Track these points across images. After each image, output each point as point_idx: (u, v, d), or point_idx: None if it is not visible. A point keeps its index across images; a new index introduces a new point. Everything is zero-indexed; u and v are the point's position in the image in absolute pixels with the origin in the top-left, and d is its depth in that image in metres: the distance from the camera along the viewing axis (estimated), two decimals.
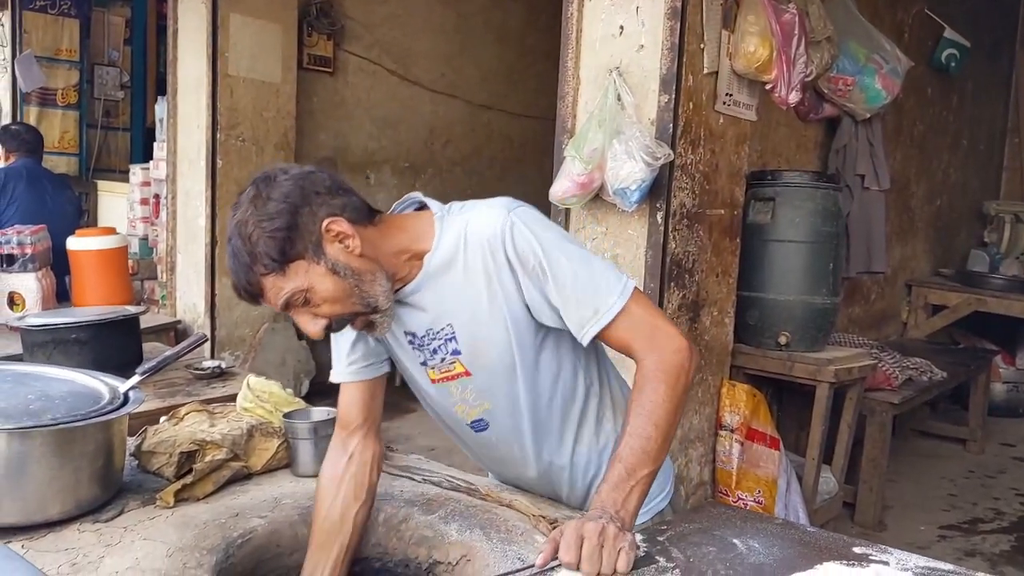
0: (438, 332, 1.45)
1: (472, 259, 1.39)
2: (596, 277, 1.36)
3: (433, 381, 1.50)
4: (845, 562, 1.14)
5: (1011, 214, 5.86)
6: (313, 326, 1.35)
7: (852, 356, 3.24)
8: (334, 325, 1.36)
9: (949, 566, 1.16)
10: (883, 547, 1.21)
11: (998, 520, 3.85)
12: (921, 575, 1.11)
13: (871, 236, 4.12)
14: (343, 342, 1.53)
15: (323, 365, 5.17)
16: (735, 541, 1.21)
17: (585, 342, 1.37)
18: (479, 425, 1.52)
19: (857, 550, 1.19)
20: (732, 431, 2.85)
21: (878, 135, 4.16)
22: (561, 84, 2.83)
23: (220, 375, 2.65)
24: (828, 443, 3.25)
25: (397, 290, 1.41)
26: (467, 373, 1.47)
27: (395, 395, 5.81)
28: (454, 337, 1.44)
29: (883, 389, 3.67)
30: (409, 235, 1.42)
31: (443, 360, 1.46)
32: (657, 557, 1.15)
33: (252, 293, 1.34)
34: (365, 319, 1.37)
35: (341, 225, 1.32)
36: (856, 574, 1.08)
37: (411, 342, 1.48)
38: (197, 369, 2.63)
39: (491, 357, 1.44)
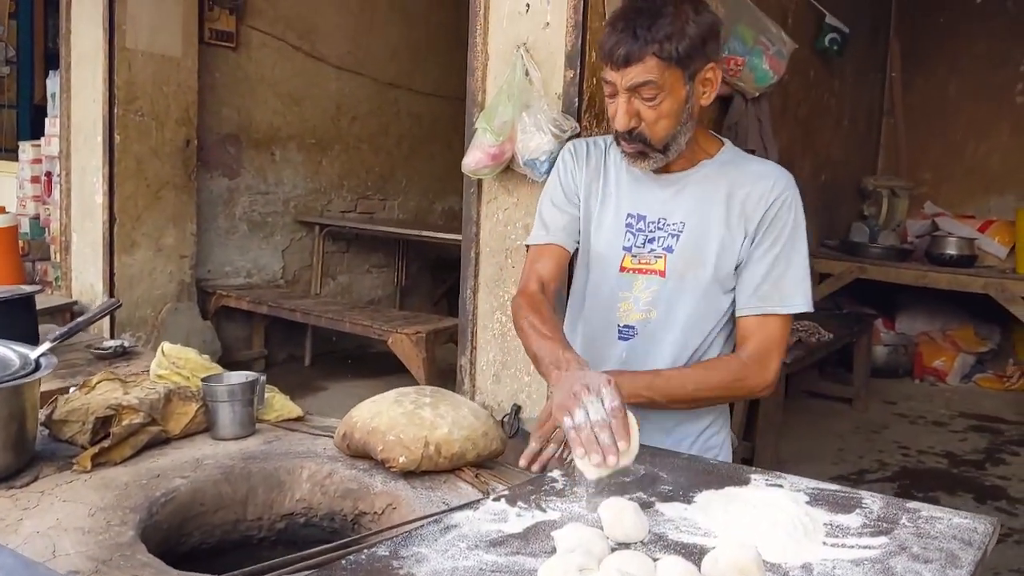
0: (669, 224, 1.57)
1: (741, 188, 1.54)
2: (803, 280, 1.53)
3: (622, 269, 1.60)
4: (742, 486, 1.25)
5: (887, 189, 6.25)
6: (627, 119, 1.46)
7: None
8: (634, 134, 1.48)
9: (835, 486, 1.28)
10: (778, 474, 1.33)
11: (882, 470, 4.15)
12: (811, 494, 1.23)
13: None
14: (548, 210, 1.67)
15: (228, 345, 5.09)
16: (644, 472, 1.31)
17: (741, 312, 1.54)
18: (628, 332, 1.61)
19: (755, 477, 1.30)
20: None
21: (766, 113, 4.37)
22: (470, 59, 2.88)
23: (123, 354, 2.56)
24: None
25: (672, 170, 1.57)
26: (663, 273, 1.57)
27: (304, 375, 5.77)
28: (678, 235, 1.56)
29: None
30: (704, 138, 1.59)
31: (651, 251, 1.57)
32: (575, 489, 1.23)
33: (625, 55, 1.41)
34: (648, 150, 1.50)
35: (716, 75, 1.49)
36: (751, 494, 1.19)
37: (629, 225, 1.60)
38: (98, 348, 2.55)
39: (697, 269, 1.55)
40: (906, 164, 6.83)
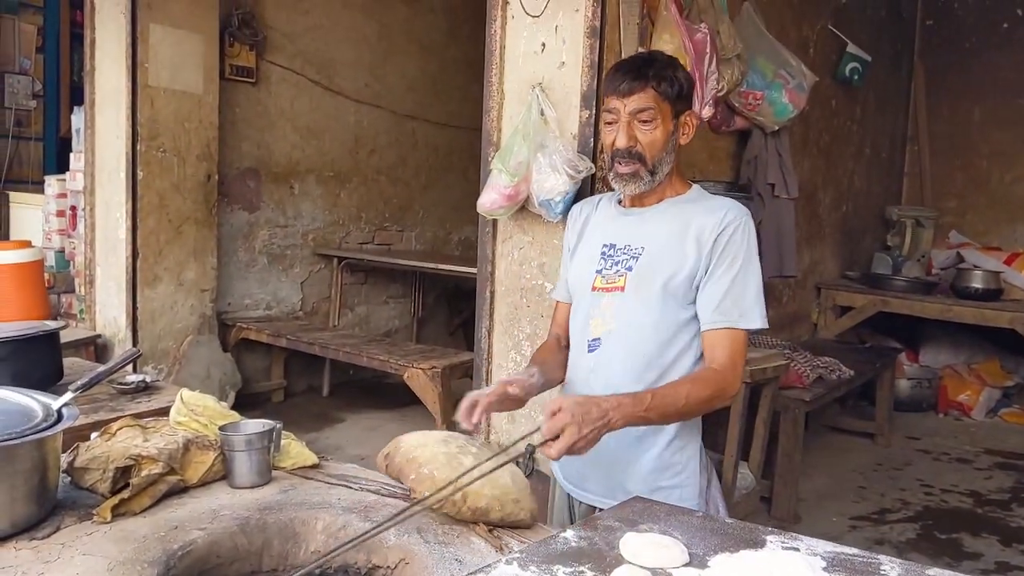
0: (632, 248, 1.80)
1: (696, 219, 1.75)
2: (758, 299, 1.73)
3: (594, 288, 1.82)
4: (758, 548, 1.23)
5: (912, 218, 6.18)
6: (627, 139, 1.73)
7: (766, 357, 3.40)
8: (632, 152, 1.73)
9: (853, 550, 1.26)
10: (794, 535, 1.31)
11: (904, 510, 4.07)
12: (828, 559, 1.22)
13: (782, 242, 4.32)
14: (562, 266, 1.99)
15: (248, 376, 5.13)
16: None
17: (706, 327, 1.71)
18: (594, 344, 1.81)
19: (771, 539, 1.29)
20: None
21: (786, 146, 4.36)
22: (486, 98, 2.91)
23: (145, 389, 2.59)
24: (745, 440, 3.40)
25: (645, 204, 1.82)
26: (623, 288, 1.78)
27: (322, 405, 5.79)
28: (639, 257, 1.78)
29: (795, 387, 3.85)
30: (675, 180, 1.83)
31: (616, 272, 1.80)
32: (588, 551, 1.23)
33: (629, 87, 1.70)
34: (641, 170, 1.74)
35: (692, 122, 1.80)
36: (768, 558, 1.18)
37: (604, 252, 1.84)
38: (121, 383, 2.57)
39: (652, 283, 1.75)
40: (930, 193, 6.78)
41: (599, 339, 1.80)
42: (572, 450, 1.45)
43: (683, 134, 1.79)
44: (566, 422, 1.44)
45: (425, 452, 1.55)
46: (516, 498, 1.51)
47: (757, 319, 1.72)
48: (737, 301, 1.70)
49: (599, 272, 1.82)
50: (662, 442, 1.79)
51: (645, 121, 1.71)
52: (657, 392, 1.61)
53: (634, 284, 1.76)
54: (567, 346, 1.96)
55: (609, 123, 1.76)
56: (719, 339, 1.70)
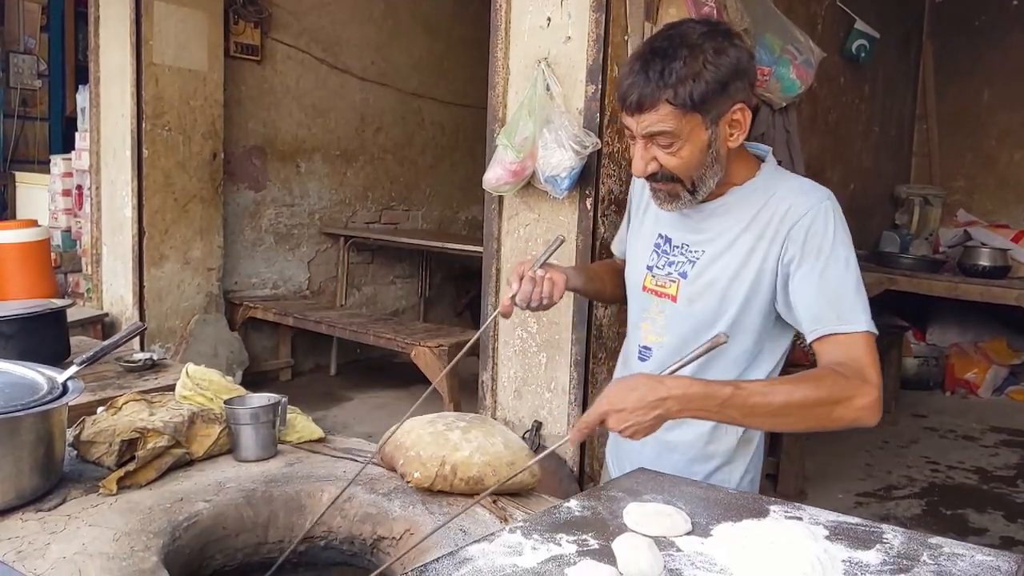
0: (689, 249, 1.54)
1: (765, 211, 1.46)
2: (858, 294, 1.39)
3: (644, 288, 1.60)
4: (761, 518, 1.23)
5: (920, 197, 6.16)
6: (643, 165, 1.42)
7: None
8: (657, 176, 1.43)
9: (856, 519, 1.26)
10: (797, 505, 1.31)
11: (910, 486, 4.08)
12: (831, 527, 1.22)
13: None
14: (623, 228, 1.78)
15: (255, 355, 5.14)
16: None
17: (810, 339, 1.40)
18: (644, 354, 1.60)
19: (773, 508, 1.29)
20: None
21: (794, 123, 4.32)
22: (491, 74, 2.89)
23: (152, 367, 2.60)
24: None
25: (705, 200, 1.49)
26: (674, 298, 1.54)
27: (329, 385, 5.80)
28: (696, 261, 1.52)
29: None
30: (737, 164, 1.49)
31: (667, 274, 1.56)
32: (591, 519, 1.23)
33: (637, 101, 1.36)
34: (678, 189, 1.45)
35: (745, 116, 1.40)
36: (770, 527, 1.18)
37: (658, 245, 1.59)
38: (128, 362, 2.58)
39: (706, 296, 1.50)
40: (939, 172, 6.74)
41: (650, 348, 1.60)
42: (627, 435, 1.28)
43: (730, 136, 1.41)
44: (603, 411, 1.27)
45: (411, 436, 1.55)
46: (511, 461, 1.50)
47: (862, 320, 1.37)
48: (833, 302, 1.38)
49: (650, 269, 1.59)
50: (705, 470, 1.61)
51: (665, 145, 1.39)
52: (744, 387, 1.30)
53: (686, 295, 1.52)
54: (622, 271, 1.75)
55: (629, 137, 1.45)
56: (828, 349, 1.38)
